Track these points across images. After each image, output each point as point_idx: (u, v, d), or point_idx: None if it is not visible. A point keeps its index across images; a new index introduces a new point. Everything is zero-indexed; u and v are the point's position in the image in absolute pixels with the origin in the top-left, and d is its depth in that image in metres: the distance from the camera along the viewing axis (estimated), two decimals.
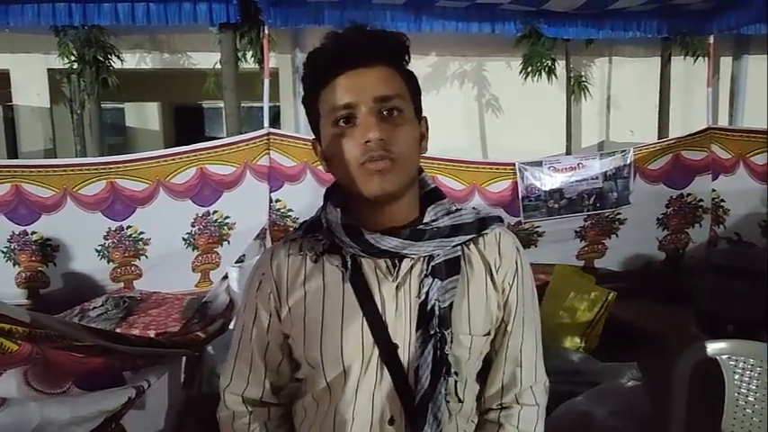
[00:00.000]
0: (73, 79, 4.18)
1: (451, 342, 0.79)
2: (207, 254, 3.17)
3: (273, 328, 0.86)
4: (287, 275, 0.84)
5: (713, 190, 3.49)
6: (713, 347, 1.31)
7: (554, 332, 2.35)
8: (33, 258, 2.94)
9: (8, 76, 4.56)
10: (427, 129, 0.86)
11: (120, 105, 7.05)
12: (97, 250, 2.99)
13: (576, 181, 3.38)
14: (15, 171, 2.87)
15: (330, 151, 0.81)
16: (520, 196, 3.32)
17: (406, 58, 0.82)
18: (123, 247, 3.01)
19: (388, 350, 0.79)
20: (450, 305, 0.79)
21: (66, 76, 4.31)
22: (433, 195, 0.86)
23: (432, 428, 0.77)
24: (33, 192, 2.87)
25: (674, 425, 1.28)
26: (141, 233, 3.03)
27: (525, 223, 3.32)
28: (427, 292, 0.79)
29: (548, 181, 3.35)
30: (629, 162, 3.40)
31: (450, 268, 0.81)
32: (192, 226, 3.09)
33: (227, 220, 3.15)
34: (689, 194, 3.50)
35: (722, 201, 3.48)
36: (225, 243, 3.17)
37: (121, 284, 3.04)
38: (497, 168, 3.36)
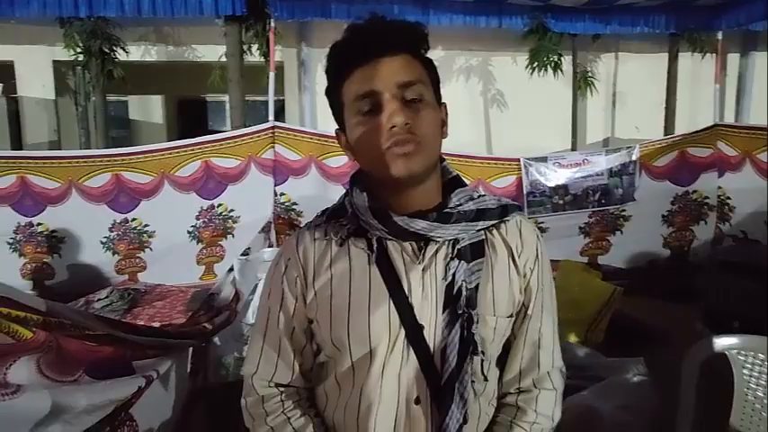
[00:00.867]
0: (78, 71, 4.19)
1: (477, 322, 0.81)
2: (211, 247, 3.17)
3: (299, 313, 0.87)
4: (313, 260, 0.86)
5: (719, 187, 3.48)
6: (722, 343, 1.31)
7: (560, 327, 2.34)
8: (39, 250, 2.95)
9: (13, 67, 4.55)
10: (447, 114, 0.88)
11: (124, 98, 7.04)
12: (102, 242, 3.00)
13: (581, 177, 3.37)
14: (21, 162, 2.88)
15: (355, 139, 0.82)
16: (524, 192, 3.31)
17: (425, 47, 0.85)
18: (128, 239, 3.02)
19: (414, 331, 0.80)
20: (476, 287, 0.82)
21: (72, 67, 4.31)
22: (455, 182, 0.88)
23: (458, 408, 0.79)
24: (38, 183, 2.87)
25: (683, 420, 1.28)
26: (146, 226, 3.04)
27: (529, 219, 3.31)
28: (454, 274, 0.81)
29: (552, 177, 3.34)
30: (634, 158, 3.38)
31: (474, 251, 0.83)
32: (197, 219, 3.10)
33: (231, 213, 3.15)
34: (694, 192, 3.49)
35: (728, 198, 3.47)
36: (229, 236, 3.17)
37: (126, 276, 3.05)
38: (502, 164, 3.35)
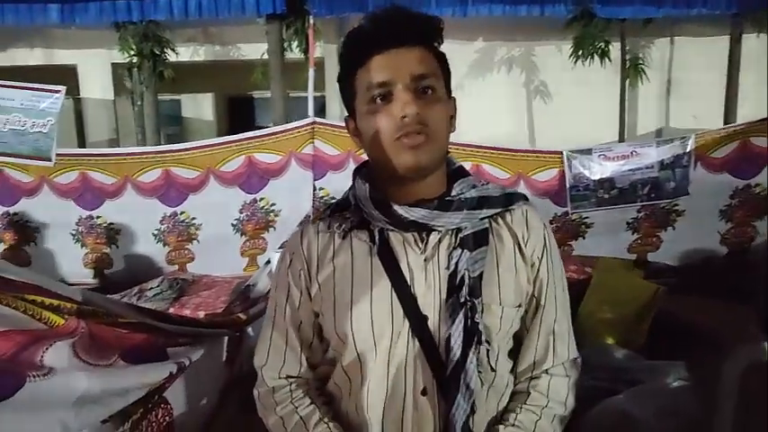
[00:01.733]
0: (133, 72, 4.44)
1: (482, 312, 0.80)
2: (254, 239, 3.28)
3: (305, 306, 0.88)
4: (317, 253, 0.87)
5: None
6: None
7: (597, 327, 2.26)
8: (98, 241, 3.17)
9: (75, 70, 4.88)
10: (455, 109, 0.87)
11: (177, 97, 7.38)
12: (154, 234, 3.18)
13: (629, 170, 3.20)
14: (81, 159, 3.10)
15: (365, 127, 0.83)
16: (567, 186, 3.20)
17: (440, 40, 0.85)
18: (177, 231, 3.18)
19: (418, 321, 0.80)
20: (480, 275, 0.81)
21: (127, 69, 4.57)
22: (458, 172, 0.88)
23: (464, 398, 0.78)
24: (97, 179, 3.08)
25: (720, 428, 1.21)
26: (193, 218, 3.19)
27: (573, 214, 3.20)
28: (456, 263, 0.81)
29: (597, 170, 3.20)
30: (688, 150, 3.18)
31: (478, 240, 0.82)
32: (240, 212, 3.21)
33: (273, 207, 3.25)
34: (757, 185, 3.24)
35: None
36: (271, 229, 3.27)
37: (176, 267, 3.21)
38: (544, 157, 3.24)
